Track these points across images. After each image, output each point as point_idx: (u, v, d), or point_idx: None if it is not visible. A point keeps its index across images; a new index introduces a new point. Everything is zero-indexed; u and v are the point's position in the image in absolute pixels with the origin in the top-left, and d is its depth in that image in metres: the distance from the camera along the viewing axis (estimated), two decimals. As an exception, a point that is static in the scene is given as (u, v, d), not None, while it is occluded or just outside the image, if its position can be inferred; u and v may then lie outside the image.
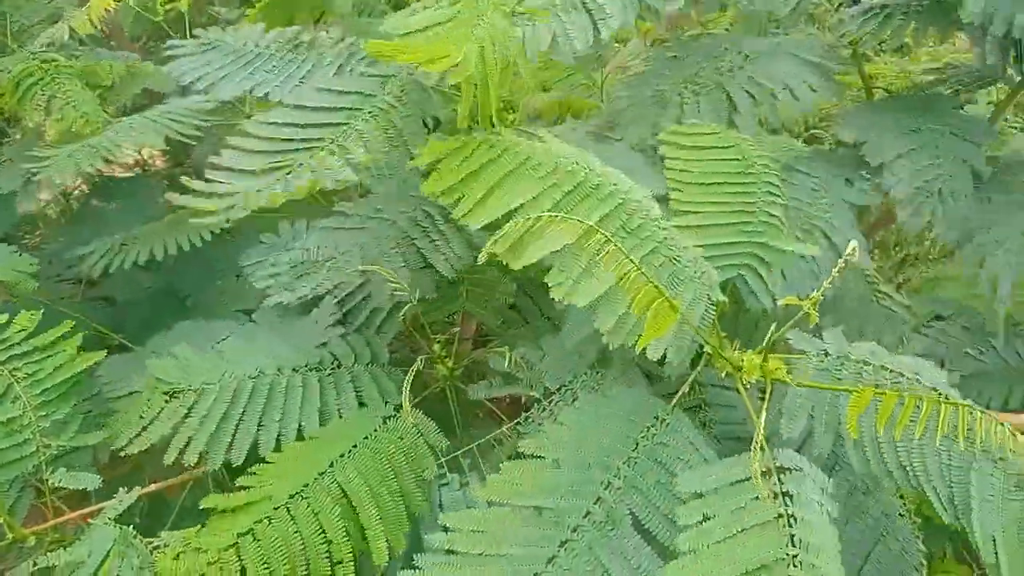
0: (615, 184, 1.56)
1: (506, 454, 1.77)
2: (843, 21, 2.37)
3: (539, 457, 1.44)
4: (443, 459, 1.81)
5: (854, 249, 1.37)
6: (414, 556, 1.37)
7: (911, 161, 2.19)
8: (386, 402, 1.92)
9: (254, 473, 1.68)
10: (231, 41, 2.17)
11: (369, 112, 1.79)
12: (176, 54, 2.20)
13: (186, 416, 1.83)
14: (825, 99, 2.36)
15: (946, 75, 2.60)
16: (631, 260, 1.27)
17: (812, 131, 3.36)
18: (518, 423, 1.79)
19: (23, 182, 2.60)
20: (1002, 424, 1.20)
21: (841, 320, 3.16)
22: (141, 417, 1.86)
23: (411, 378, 1.84)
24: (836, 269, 1.40)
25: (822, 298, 1.37)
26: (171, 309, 2.72)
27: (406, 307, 1.97)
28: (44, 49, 2.89)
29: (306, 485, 1.62)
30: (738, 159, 1.84)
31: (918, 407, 1.17)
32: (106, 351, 2.05)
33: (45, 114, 2.68)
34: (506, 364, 1.84)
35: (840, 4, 2.48)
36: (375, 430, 1.78)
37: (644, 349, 1.39)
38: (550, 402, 1.75)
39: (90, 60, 2.89)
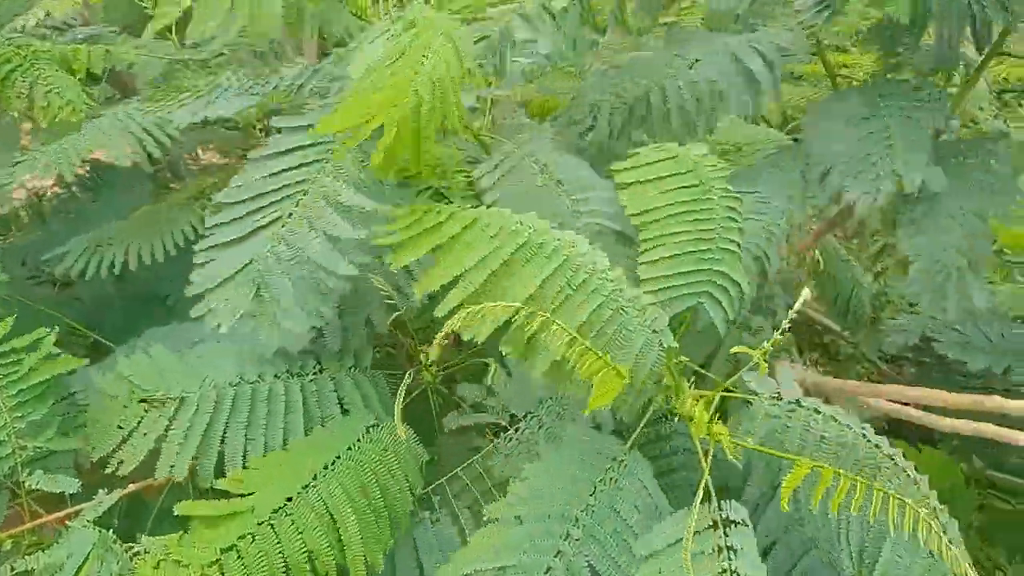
0: (559, 240, 1.60)
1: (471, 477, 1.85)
2: (798, 12, 2.38)
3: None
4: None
5: (808, 297, 1.42)
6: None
7: (853, 161, 2.23)
8: (368, 410, 1.94)
9: (236, 480, 1.70)
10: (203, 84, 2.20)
11: (347, 148, 1.79)
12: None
13: (167, 428, 1.84)
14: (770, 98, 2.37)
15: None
16: (576, 336, 1.32)
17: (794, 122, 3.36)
18: (487, 452, 1.85)
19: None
20: (929, 519, 1.26)
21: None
22: (120, 427, 1.87)
23: (403, 392, 1.88)
24: (789, 314, 1.45)
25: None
26: (151, 311, 2.71)
27: (394, 315, 2.01)
28: (18, 34, 2.85)
29: (290, 499, 1.64)
30: (696, 184, 1.86)
31: (853, 487, 1.23)
32: (86, 358, 2.06)
33: (28, 102, 2.64)
34: (489, 379, 1.90)
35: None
36: (358, 440, 1.80)
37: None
38: (516, 430, 1.82)
39: (66, 44, 2.85)
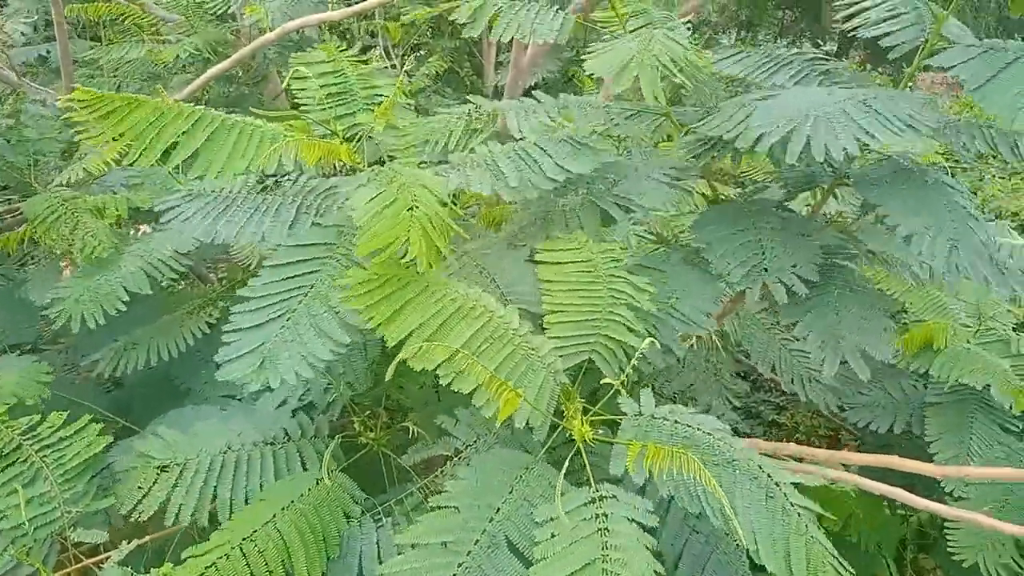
0: (484, 306, 2.10)
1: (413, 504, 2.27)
2: (680, 147, 2.91)
3: (445, 507, 1.92)
4: (377, 508, 2.28)
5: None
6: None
7: (737, 253, 2.68)
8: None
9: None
10: (207, 188, 2.65)
11: (335, 259, 2.28)
12: (166, 207, 2.67)
13: (174, 486, 2.30)
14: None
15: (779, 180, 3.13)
16: (487, 369, 1.83)
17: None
18: (434, 477, 2.27)
19: (49, 300, 3.09)
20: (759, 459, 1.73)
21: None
22: (140, 487, 2.31)
23: (329, 453, 2.36)
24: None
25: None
26: (168, 393, 3.18)
27: (334, 394, 2.55)
28: (62, 187, 3.45)
29: (255, 531, 2.07)
30: (590, 271, 2.34)
31: (671, 456, 1.71)
32: (114, 437, 2.46)
33: (69, 243, 3.22)
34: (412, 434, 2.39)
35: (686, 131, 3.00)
36: (309, 489, 2.24)
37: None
38: (459, 458, 2.22)
39: (101, 196, 3.46)
